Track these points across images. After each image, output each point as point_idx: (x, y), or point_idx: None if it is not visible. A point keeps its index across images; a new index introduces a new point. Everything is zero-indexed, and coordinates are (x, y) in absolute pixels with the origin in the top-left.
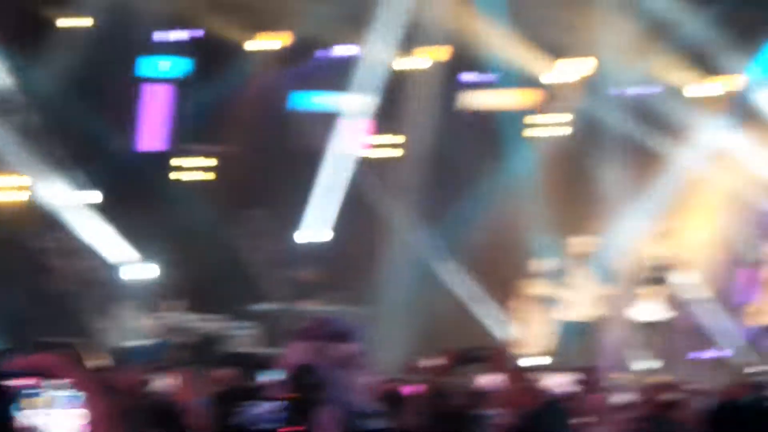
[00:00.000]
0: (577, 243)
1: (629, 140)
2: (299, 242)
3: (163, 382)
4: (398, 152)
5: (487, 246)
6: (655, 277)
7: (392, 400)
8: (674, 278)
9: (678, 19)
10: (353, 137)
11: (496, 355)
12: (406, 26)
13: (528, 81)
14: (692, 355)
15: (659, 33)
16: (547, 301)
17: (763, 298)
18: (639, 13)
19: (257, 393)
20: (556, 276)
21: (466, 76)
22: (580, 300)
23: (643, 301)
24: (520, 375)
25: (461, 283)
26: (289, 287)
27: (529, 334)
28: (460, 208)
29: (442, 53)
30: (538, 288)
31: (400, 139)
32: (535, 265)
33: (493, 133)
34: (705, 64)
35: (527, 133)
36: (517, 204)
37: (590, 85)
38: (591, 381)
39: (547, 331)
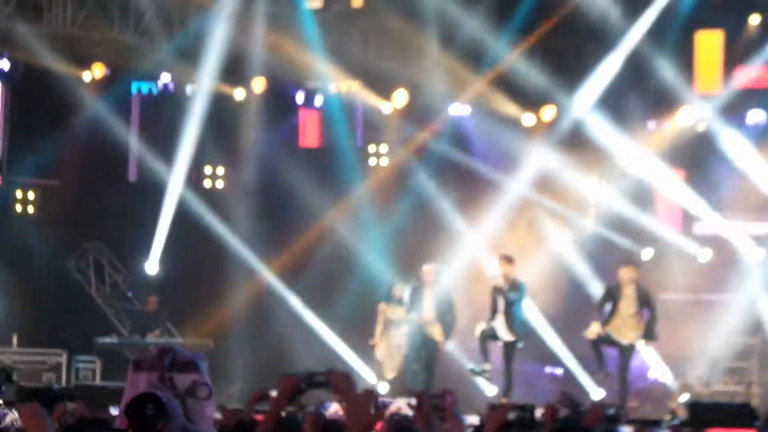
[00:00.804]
0: (427, 270)
1: (459, 168)
2: (141, 273)
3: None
4: (229, 183)
5: (331, 272)
6: (498, 299)
7: (241, 430)
8: (514, 299)
9: (500, 49)
10: (189, 168)
11: (337, 380)
12: (230, 58)
13: (356, 111)
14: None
15: (481, 63)
16: (397, 325)
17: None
18: (461, 43)
19: (105, 425)
20: (406, 301)
21: (300, 105)
22: (429, 323)
23: (489, 322)
24: (362, 399)
25: (308, 310)
26: (132, 319)
27: (380, 358)
28: (298, 237)
29: (262, 83)
30: (388, 312)
31: (228, 170)
32: (388, 290)
33: (327, 163)
34: (531, 93)
35: (362, 163)
36: (357, 231)
37: (417, 113)
38: (422, 405)
39: (398, 354)
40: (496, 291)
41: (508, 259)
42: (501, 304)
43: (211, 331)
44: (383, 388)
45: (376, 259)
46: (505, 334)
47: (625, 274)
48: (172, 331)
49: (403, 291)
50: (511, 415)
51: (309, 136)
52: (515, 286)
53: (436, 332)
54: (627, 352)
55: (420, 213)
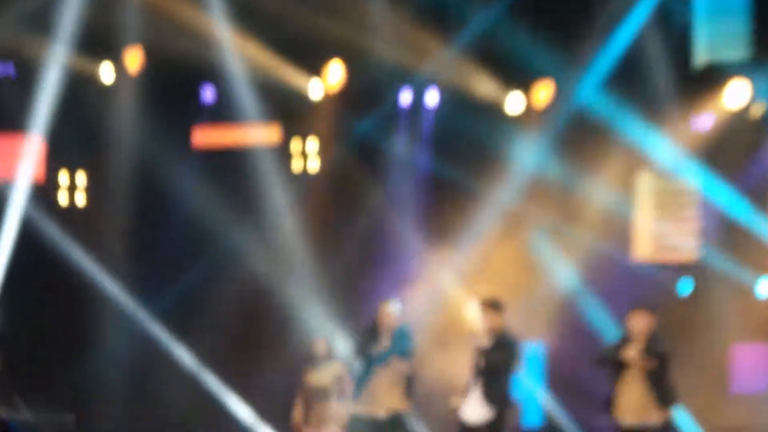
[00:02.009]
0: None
1: (422, 171)
2: None
3: None
4: (93, 197)
5: (244, 321)
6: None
7: None
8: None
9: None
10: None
11: None
12: (94, 25)
13: (273, 94)
14: None
15: (446, 30)
16: (326, 395)
17: None
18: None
19: None
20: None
21: (193, 88)
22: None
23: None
24: None
25: (204, 366)
26: None
27: None
28: (198, 265)
29: (138, 59)
30: (312, 379)
31: (91, 178)
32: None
33: (233, 168)
34: (519, 68)
35: (283, 166)
36: (273, 260)
37: (359, 96)
38: None
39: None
40: (478, 352)
41: (495, 306)
42: (481, 373)
43: (73, 402)
44: None
45: (310, 303)
46: (474, 413)
47: (636, 322)
48: (17, 403)
49: (331, 345)
50: None
51: (205, 130)
52: (505, 347)
53: (394, 397)
54: None
55: (372, 236)
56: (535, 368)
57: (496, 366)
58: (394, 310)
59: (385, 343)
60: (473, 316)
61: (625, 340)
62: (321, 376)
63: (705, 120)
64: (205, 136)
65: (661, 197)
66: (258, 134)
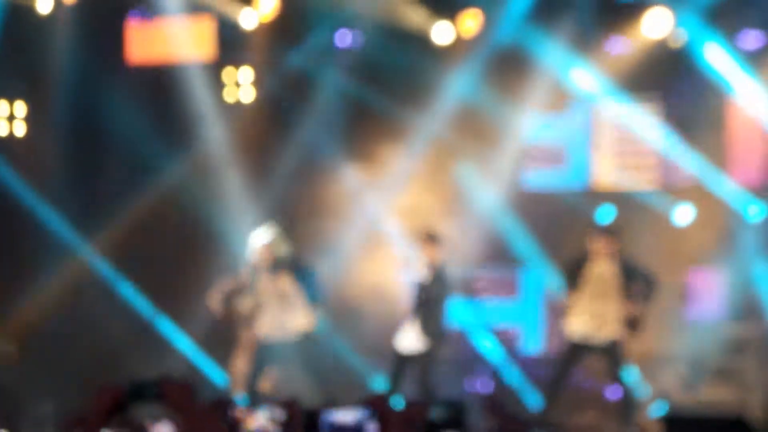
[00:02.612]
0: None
1: (348, 101)
2: None
3: None
4: (33, 127)
5: (164, 244)
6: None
7: None
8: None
9: None
10: None
11: (173, 392)
12: None
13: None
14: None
15: None
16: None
17: None
18: None
19: None
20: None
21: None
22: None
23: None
24: (205, 416)
25: (137, 297)
26: None
27: (235, 361)
28: (124, 195)
29: None
30: (243, 302)
31: (31, 108)
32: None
33: (169, 98)
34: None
35: (217, 97)
36: (207, 189)
37: (285, 29)
38: (293, 416)
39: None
40: (418, 286)
41: (433, 239)
42: (422, 306)
43: (14, 332)
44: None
45: (244, 234)
46: (411, 344)
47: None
48: None
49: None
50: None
51: (140, 53)
52: (442, 276)
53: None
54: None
55: (302, 166)
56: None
57: (437, 298)
58: (265, 241)
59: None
60: (409, 252)
61: (582, 260)
62: (244, 303)
63: (619, 44)
64: (139, 46)
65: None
66: (191, 48)
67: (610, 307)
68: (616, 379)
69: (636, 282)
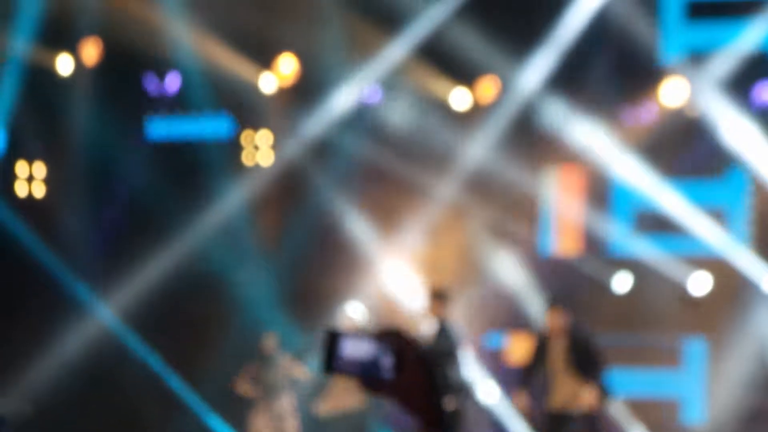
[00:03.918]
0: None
1: (371, 166)
2: None
3: None
4: (52, 188)
5: (200, 316)
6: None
7: None
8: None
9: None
10: None
11: None
12: (52, 17)
13: (225, 87)
14: None
15: (394, 27)
16: (277, 391)
17: None
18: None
19: None
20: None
21: (149, 85)
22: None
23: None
24: None
25: (153, 357)
26: None
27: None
28: (142, 256)
29: (96, 50)
30: (262, 374)
31: (50, 169)
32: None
33: (190, 162)
34: (465, 65)
35: (234, 159)
36: (225, 251)
37: (305, 93)
38: None
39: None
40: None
41: (440, 295)
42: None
43: (32, 391)
44: None
45: (261, 297)
46: None
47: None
48: None
49: (277, 341)
50: None
51: (160, 122)
52: (447, 334)
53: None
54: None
55: (320, 230)
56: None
57: (443, 353)
58: (355, 314)
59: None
60: (419, 307)
61: (544, 338)
62: (270, 373)
63: (643, 113)
64: (159, 128)
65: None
66: (210, 126)
67: (576, 380)
68: None
69: (587, 357)
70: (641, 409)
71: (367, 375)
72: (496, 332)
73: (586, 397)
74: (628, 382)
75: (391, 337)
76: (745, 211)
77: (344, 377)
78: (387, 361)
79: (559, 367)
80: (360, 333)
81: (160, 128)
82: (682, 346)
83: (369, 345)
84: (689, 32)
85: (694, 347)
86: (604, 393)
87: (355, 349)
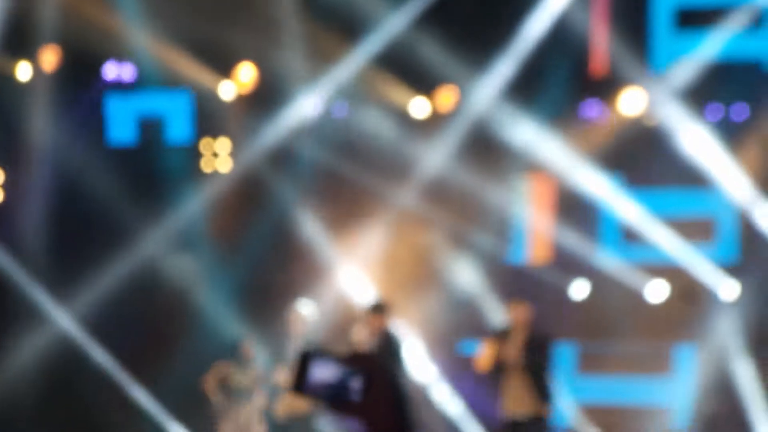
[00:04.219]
0: (293, 316)
1: (328, 174)
2: None
3: None
4: (10, 193)
5: (156, 320)
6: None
7: None
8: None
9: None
10: None
11: None
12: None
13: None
14: None
15: (354, 35)
16: (248, 395)
17: None
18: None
19: None
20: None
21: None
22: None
23: None
24: None
25: (113, 364)
26: None
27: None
28: (111, 263)
29: (54, 57)
30: (235, 378)
31: (8, 174)
32: (233, 349)
33: (149, 168)
34: (424, 74)
35: (191, 166)
36: (183, 259)
37: (261, 100)
38: None
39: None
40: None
41: (379, 309)
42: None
43: None
44: None
45: (218, 302)
46: None
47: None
48: None
49: (256, 350)
50: None
51: (120, 127)
52: (391, 349)
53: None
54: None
55: (278, 236)
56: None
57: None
58: (304, 313)
59: (295, 346)
60: (357, 330)
61: (506, 333)
62: (243, 378)
63: (599, 115)
64: (117, 107)
65: (559, 200)
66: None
67: (526, 380)
68: None
69: (541, 355)
70: (621, 415)
71: (334, 397)
72: (456, 339)
73: (529, 402)
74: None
75: (362, 361)
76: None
77: (312, 399)
78: (356, 384)
79: (515, 363)
80: (330, 357)
81: (119, 107)
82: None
83: (337, 369)
84: (678, 41)
85: (684, 354)
86: (546, 398)
87: (323, 373)
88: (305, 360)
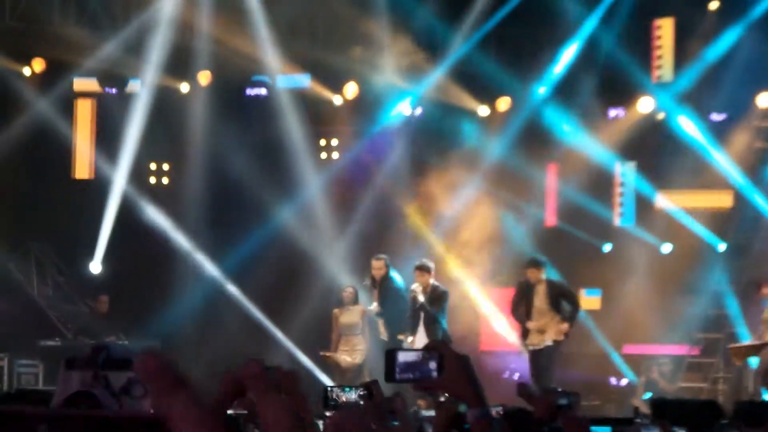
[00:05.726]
0: (375, 264)
1: (415, 162)
2: (86, 274)
3: None
4: (168, 179)
5: (286, 275)
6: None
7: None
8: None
9: (451, 38)
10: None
11: (284, 378)
12: (175, 50)
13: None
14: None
15: (433, 52)
16: (354, 330)
17: None
18: (412, 31)
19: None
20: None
21: (252, 93)
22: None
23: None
24: (302, 402)
25: (261, 314)
26: (79, 321)
27: (343, 365)
28: (249, 236)
29: (207, 77)
30: (342, 318)
31: (168, 165)
32: (346, 292)
33: (280, 159)
34: (486, 84)
35: (314, 157)
36: (307, 228)
37: (368, 105)
38: (372, 394)
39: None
40: (415, 304)
41: (422, 268)
42: (422, 318)
43: (159, 332)
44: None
45: (335, 262)
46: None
47: (532, 274)
48: (119, 336)
49: (355, 293)
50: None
51: (257, 128)
52: (436, 298)
53: (381, 328)
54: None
55: (379, 211)
56: None
57: (431, 313)
58: (379, 264)
59: (375, 293)
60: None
61: (528, 284)
62: (349, 316)
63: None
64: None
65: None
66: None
67: (546, 322)
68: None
69: (565, 302)
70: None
71: (419, 377)
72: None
73: (556, 328)
74: None
75: (437, 347)
76: None
77: (404, 383)
78: (432, 364)
79: (541, 302)
80: (410, 349)
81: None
82: None
83: (416, 354)
84: None
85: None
86: (570, 325)
87: (407, 358)
88: (392, 354)
